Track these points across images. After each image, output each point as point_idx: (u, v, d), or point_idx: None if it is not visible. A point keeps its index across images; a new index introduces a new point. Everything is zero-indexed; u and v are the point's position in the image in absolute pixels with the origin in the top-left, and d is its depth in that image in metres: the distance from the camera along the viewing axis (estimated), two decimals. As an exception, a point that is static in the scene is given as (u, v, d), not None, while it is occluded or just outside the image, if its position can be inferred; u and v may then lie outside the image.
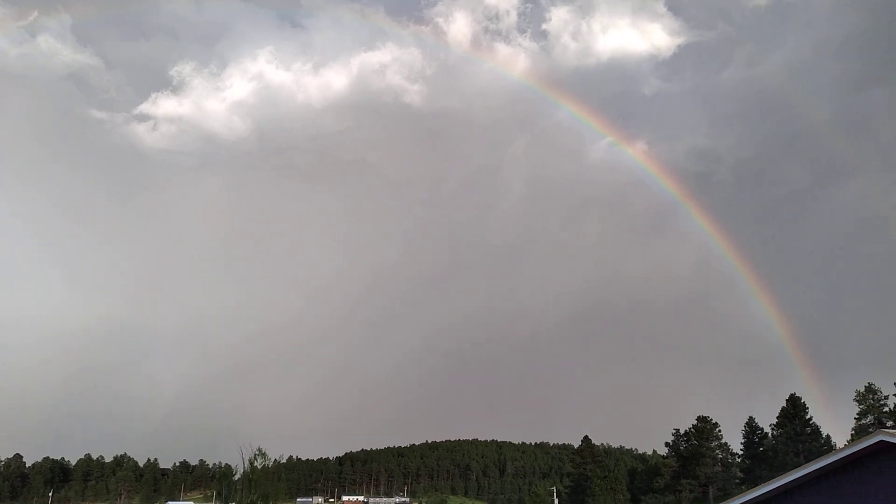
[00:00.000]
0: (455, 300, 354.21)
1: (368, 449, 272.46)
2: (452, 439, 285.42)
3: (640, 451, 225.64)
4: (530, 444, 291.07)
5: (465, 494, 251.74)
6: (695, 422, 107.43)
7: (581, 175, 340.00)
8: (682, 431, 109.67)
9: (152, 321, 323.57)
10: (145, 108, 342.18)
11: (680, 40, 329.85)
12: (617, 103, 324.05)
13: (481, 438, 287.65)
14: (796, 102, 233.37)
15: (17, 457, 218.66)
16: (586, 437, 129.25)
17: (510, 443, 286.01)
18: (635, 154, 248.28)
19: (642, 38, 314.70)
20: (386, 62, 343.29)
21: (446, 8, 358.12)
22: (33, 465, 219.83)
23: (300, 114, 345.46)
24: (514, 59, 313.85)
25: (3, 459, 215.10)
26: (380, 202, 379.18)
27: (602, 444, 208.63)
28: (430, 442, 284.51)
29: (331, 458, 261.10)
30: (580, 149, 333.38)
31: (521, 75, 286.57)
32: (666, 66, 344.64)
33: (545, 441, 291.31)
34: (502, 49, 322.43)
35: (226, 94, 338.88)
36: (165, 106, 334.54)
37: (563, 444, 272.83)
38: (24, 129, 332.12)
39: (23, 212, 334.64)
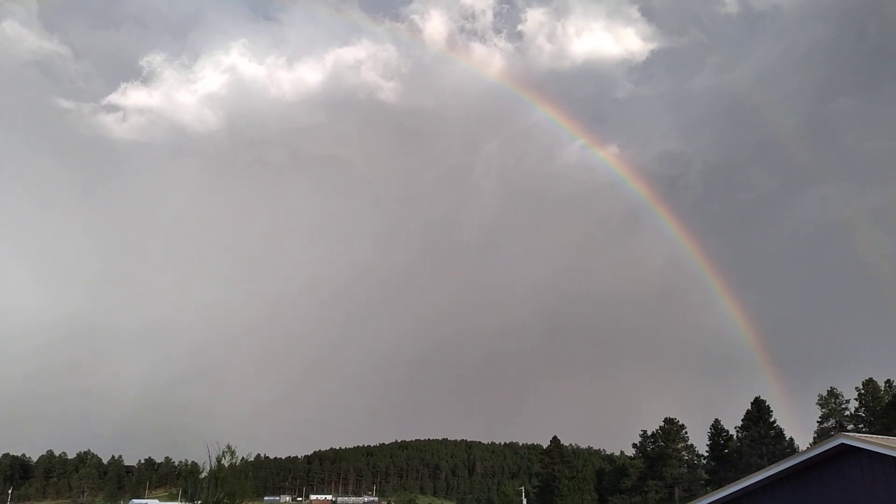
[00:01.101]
0: (427, 298, 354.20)
1: (338, 448, 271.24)
2: (422, 438, 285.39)
3: (608, 452, 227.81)
4: (499, 444, 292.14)
5: (434, 494, 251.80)
6: (662, 423, 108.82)
7: (554, 176, 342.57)
8: (649, 433, 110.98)
9: (117, 317, 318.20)
10: (114, 98, 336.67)
11: (653, 45, 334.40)
12: (590, 106, 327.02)
13: (451, 438, 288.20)
14: (765, 109, 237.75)
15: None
16: (555, 437, 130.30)
17: (479, 443, 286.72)
18: (607, 157, 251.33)
19: (616, 42, 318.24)
20: (361, 58, 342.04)
21: (422, 6, 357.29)
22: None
23: (273, 108, 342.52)
24: (490, 59, 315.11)
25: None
26: (352, 198, 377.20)
27: (570, 444, 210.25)
28: (399, 441, 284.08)
29: (299, 457, 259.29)
30: (553, 150, 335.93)
31: (495, 75, 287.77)
32: (639, 70, 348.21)
33: (514, 441, 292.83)
34: (478, 49, 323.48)
35: (197, 87, 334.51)
36: (135, 97, 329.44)
37: (532, 444, 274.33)
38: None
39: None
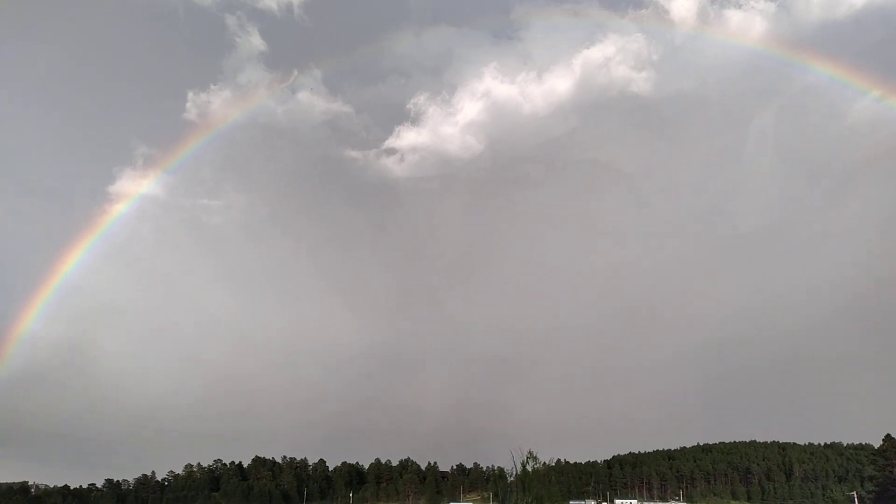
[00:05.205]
0: (707, 294, 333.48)
1: (637, 452, 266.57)
2: (727, 441, 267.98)
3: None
4: (818, 444, 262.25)
5: (749, 499, 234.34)
6: None
7: (843, 139, 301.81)
8: None
9: (417, 339, 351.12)
10: (391, 142, 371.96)
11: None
12: (880, 52, 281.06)
13: (760, 440, 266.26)
14: None
15: (321, 462, 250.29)
16: (888, 435, 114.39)
17: (795, 444, 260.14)
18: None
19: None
20: (609, 55, 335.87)
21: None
22: (334, 468, 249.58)
23: (528, 123, 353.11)
24: (749, 26, 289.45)
25: (311, 464, 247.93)
26: (615, 198, 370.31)
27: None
28: (702, 444, 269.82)
29: (599, 462, 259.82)
30: (838, 111, 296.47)
31: (757, 42, 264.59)
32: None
33: (837, 441, 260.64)
34: (733, 17, 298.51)
35: (458, 118, 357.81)
36: (407, 137, 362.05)
37: (860, 444, 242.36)
38: (294, 174, 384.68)
39: (303, 246, 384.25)
